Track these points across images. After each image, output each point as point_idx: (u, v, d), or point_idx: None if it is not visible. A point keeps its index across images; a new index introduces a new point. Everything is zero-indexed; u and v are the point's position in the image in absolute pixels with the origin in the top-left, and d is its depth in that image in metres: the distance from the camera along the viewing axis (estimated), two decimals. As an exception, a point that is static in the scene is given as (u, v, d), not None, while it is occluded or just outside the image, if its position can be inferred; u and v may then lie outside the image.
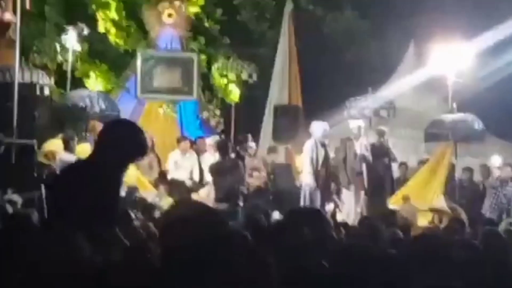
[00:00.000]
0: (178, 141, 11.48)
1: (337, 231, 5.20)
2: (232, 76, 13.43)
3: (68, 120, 10.98)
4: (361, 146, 10.19)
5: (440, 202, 10.24)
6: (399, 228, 6.00)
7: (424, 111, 14.20)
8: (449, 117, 11.24)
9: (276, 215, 8.11)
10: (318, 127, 9.89)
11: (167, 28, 13.71)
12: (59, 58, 12.03)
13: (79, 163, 3.68)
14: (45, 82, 10.33)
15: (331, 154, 10.31)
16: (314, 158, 9.68)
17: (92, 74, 12.60)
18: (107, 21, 12.93)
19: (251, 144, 11.00)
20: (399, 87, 13.55)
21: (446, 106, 11.90)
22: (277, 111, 12.10)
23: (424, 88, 14.42)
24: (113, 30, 12.99)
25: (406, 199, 10.07)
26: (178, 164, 10.87)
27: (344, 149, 10.14)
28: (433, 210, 9.66)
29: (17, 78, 9.00)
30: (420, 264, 3.22)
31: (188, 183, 10.65)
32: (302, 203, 9.49)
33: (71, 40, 11.52)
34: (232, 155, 9.40)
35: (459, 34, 12.36)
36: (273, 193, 10.58)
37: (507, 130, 14.68)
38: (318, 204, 9.47)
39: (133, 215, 6.41)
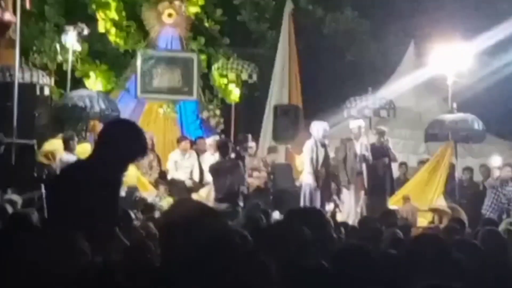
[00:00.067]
0: (178, 141, 11.48)
1: (337, 231, 5.19)
2: (232, 76, 13.42)
3: (68, 120, 10.99)
4: (361, 146, 10.18)
5: (440, 202, 10.24)
6: (399, 228, 6.00)
7: (424, 111, 14.20)
8: (449, 117, 11.23)
9: (276, 215, 8.11)
10: (318, 127, 9.89)
11: (167, 28, 13.71)
12: (59, 58, 12.01)
13: (79, 163, 3.67)
14: (45, 82, 10.34)
15: (331, 154, 10.31)
16: (314, 158, 9.68)
17: (92, 74, 12.59)
18: (107, 21, 12.92)
19: (251, 144, 10.99)
20: (399, 87, 13.53)
21: (446, 106, 11.89)
22: (277, 111, 12.09)
23: (424, 88, 14.42)
24: (113, 30, 12.98)
25: (406, 199, 10.07)
26: (178, 164, 10.87)
27: (344, 149, 10.13)
28: (433, 210, 9.65)
29: (17, 78, 9.01)
30: (420, 264, 3.22)
31: (188, 183, 10.65)
32: (302, 203, 9.49)
33: (71, 40, 11.50)
34: (232, 155, 9.39)
35: (459, 34, 12.36)
36: (273, 193, 10.58)
37: (507, 130, 14.67)
38: (318, 204, 9.47)
39: (133, 215, 6.42)
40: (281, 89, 13.90)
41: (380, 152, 10.40)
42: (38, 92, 9.80)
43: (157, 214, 7.88)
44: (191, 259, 2.76)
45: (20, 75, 9.38)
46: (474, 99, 13.24)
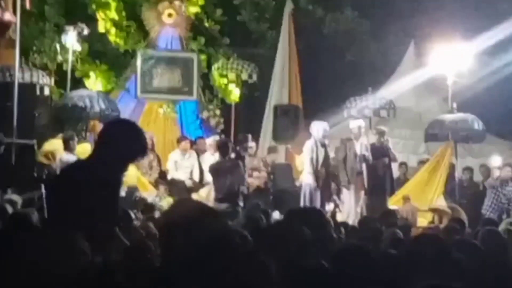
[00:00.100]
0: (178, 141, 11.47)
1: (337, 231, 5.19)
2: (232, 76, 13.41)
3: (68, 120, 10.98)
4: (361, 146, 10.17)
5: (440, 202, 10.24)
6: (399, 228, 5.99)
7: (424, 111, 14.19)
8: (449, 117, 11.22)
9: (276, 215, 8.11)
10: (318, 127, 9.88)
11: (167, 28, 13.70)
12: (59, 58, 11.99)
13: (79, 163, 3.67)
14: (45, 82, 10.33)
15: (331, 154, 10.30)
16: (314, 158, 9.67)
17: (92, 74, 12.57)
18: (107, 21, 12.90)
19: (251, 144, 10.98)
20: (399, 87, 13.52)
21: (446, 106, 11.88)
22: (277, 111, 12.08)
23: (424, 88, 14.40)
24: (113, 30, 12.96)
25: (406, 199, 10.06)
26: (178, 164, 10.86)
27: (344, 149, 10.12)
28: (433, 210, 9.64)
29: (17, 78, 9.00)
30: (420, 264, 3.21)
31: (188, 183, 10.64)
32: (302, 203, 9.48)
33: (71, 40, 11.49)
34: (232, 155, 9.39)
35: (459, 34, 12.35)
36: (273, 193, 10.57)
37: (507, 130, 14.66)
38: (318, 204, 9.46)
39: (133, 215, 6.42)
40: (281, 89, 13.89)
41: (380, 152, 10.40)
42: (38, 92, 9.79)
43: (157, 214, 7.87)
44: (191, 259, 2.75)
45: (20, 75, 9.37)
46: (474, 99, 13.23)
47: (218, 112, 13.65)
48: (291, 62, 14.08)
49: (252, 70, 13.43)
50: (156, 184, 10.54)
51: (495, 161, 11.68)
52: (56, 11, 12.70)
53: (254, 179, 10.72)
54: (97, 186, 3.30)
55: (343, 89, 13.70)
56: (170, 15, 13.54)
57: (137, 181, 9.93)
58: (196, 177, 10.81)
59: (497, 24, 13.15)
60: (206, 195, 9.78)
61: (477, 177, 11.87)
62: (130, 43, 13.14)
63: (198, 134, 12.67)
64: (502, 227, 6.50)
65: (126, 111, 12.28)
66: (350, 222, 8.64)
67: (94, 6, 12.93)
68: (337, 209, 10.15)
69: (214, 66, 13.62)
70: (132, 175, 9.19)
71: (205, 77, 13.92)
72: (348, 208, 9.98)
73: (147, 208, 8.60)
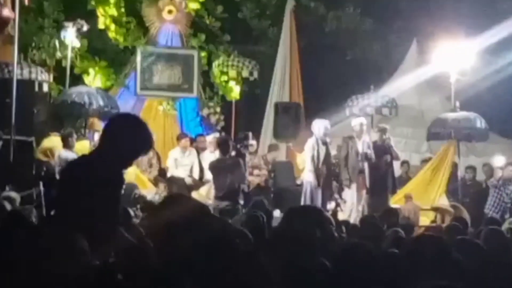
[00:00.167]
0: (178, 138, 11.42)
1: (339, 230, 5.13)
2: (232, 73, 13.38)
3: (67, 117, 10.94)
4: (363, 144, 10.10)
5: (443, 201, 10.19)
6: (401, 227, 5.95)
7: (426, 110, 14.14)
8: (451, 116, 11.18)
9: (276, 214, 8.06)
10: (319, 125, 9.83)
11: (167, 25, 13.66)
12: (58, 54, 11.96)
13: (83, 159, 3.61)
14: (44, 79, 10.28)
15: (333, 152, 10.25)
16: (315, 156, 9.62)
17: (91, 70, 12.53)
18: (106, 17, 12.85)
19: (252, 141, 10.93)
20: (402, 85, 13.47)
21: (449, 104, 11.83)
22: (278, 108, 12.03)
23: (426, 86, 14.36)
24: (112, 26, 12.92)
25: (408, 198, 10.01)
26: (178, 162, 10.80)
27: (346, 147, 10.06)
28: (436, 209, 9.61)
29: (16, 75, 8.93)
30: (422, 264, 3.20)
31: (188, 180, 10.58)
32: (303, 201, 9.43)
33: (70, 36, 11.43)
34: (233, 153, 9.34)
35: (462, 32, 12.30)
36: (274, 191, 10.53)
37: (510, 129, 14.61)
38: (319, 202, 9.41)
39: (132, 213, 6.36)
40: (282, 87, 13.86)
41: (382, 150, 10.33)
42: (36, 89, 9.72)
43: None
44: (191, 259, 2.73)
45: (18, 72, 9.32)
46: (477, 97, 13.19)
47: (218, 109, 13.61)
48: (292, 59, 14.05)
49: (253, 67, 13.40)
50: (155, 182, 10.50)
51: (498, 161, 11.61)
52: (55, 7, 12.66)
53: (255, 177, 10.68)
54: (103, 182, 3.27)
55: (345, 87, 13.67)
56: (170, 11, 13.50)
57: (136, 179, 9.89)
58: (196, 175, 10.76)
59: (500, 22, 13.09)
60: (206, 193, 9.74)
61: (480, 176, 11.82)
62: (130, 39, 13.10)
63: (198, 132, 12.64)
64: (505, 226, 6.47)
65: (125, 108, 12.21)
66: (352, 220, 8.60)
67: (93, 2, 12.89)
68: (338, 208, 10.10)
69: (215, 63, 13.58)
70: (131, 172, 9.14)
71: (206, 74, 13.89)
72: (350, 206, 9.92)
73: (147, 205, 8.55)
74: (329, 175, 9.83)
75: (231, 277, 2.66)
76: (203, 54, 13.71)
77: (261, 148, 12.36)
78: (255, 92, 14.41)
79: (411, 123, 13.89)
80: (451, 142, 10.89)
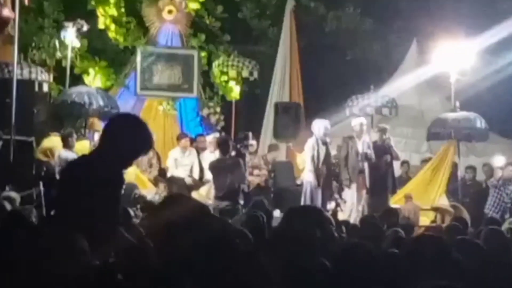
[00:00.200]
0: (178, 138, 11.42)
1: (338, 230, 5.13)
2: (232, 73, 13.38)
3: (67, 117, 10.95)
4: (363, 144, 10.10)
5: (443, 201, 10.19)
6: (401, 227, 5.94)
7: (426, 110, 14.14)
8: (451, 116, 11.18)
9: (276, 214, 8.05)
10: (319, 125, 9.83)
11: (167, 25, 13.66)
12: (58, 54, 11.96)
13: (83, 159, 3.61)
14: (44, 79, 10.28)
15: (333, 152, 10.25)
16: (315, 156, 9.62)
17: (91, 70, 12.53)
18: (106, 17, 12.85)
19: (252, 141, 10.93)
20: (402, 85, 13.47)
21: (449, 104, 11.83)
22: (278, 108, 12.03)
23: (426, 86, 14.36)
24: (112, 26, 12.92)
25: (408, 198, 10.01)
26: (178, 162, 10.81)
27: (346, 147, 10.07)
28: (436, 209, 9.61)
29: (16, 75, 8.93)
30: (422, 264, 3.20)
31: (188, 180, 10.59)
32: (303, 201, 9.43)
33: (70, 36, 11.43)
34: (233, 153, 9.34)
35: (462, 32, 12.30)
36: (274, 191, 10.53)
37: (510, 129, 14.61)
38: (319, 202, 9.41)
39: (132, 213, 6.36)
40: (282, 87, 13.86)
41: (382, 150, 10.33)
42: (36, 89, 9.73)
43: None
44: (191, 259, 2.73)
45: (18, 72, 9.32)
46: (477, 97, 13.20)
47: (218, 109, 13.62)
48: (292, 59, 14.05)
49: (253, 67, 13.40)
50: (155, 182, 10.50)
51: (498, 161, 11.61)
52: (55, 7, 12.66)
53: (255, 177, 10.68)
54: (103, 182, 3.27)
55: (345, 87, 13.68)
56: (170, 11, 13.50)
57: (136, 178, 9.89)
58: (196, 175, 10.76)
59: (500, 22, 13.09)
60: (206, 193, 9.73)
61: (480, 176, 11.82)
62: (130, 39, 13.10)
63: (198, 132, 12.64)
64: (505, 226, 6.46)
65: (125, 108, 12.20)
66: (352, 220, 8.60)
67: (93, 2, 12.89)
68: (338, 208, 10.10)
69: (215, 63, 13.58)
70: (131, 172, 9.14)
71: (206, 74, 13.89)
72: (350, 206, 9.92)
73: (147, 205, 8.55)
74: (329, 175, 9.83)
75: (231, 277, 2.67)
76: (203, 54, 13.71)
77: (261, 148, 12.35)
78: (255, 92, 14.41)
79: (411, 123, 13.89)
80: (451, 142, 10.89)
